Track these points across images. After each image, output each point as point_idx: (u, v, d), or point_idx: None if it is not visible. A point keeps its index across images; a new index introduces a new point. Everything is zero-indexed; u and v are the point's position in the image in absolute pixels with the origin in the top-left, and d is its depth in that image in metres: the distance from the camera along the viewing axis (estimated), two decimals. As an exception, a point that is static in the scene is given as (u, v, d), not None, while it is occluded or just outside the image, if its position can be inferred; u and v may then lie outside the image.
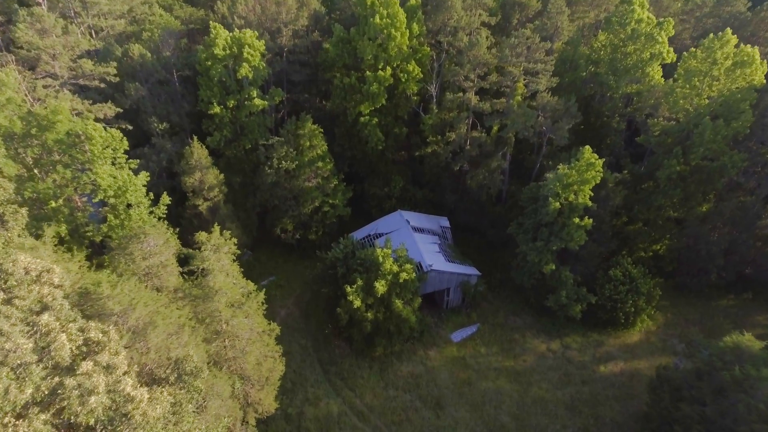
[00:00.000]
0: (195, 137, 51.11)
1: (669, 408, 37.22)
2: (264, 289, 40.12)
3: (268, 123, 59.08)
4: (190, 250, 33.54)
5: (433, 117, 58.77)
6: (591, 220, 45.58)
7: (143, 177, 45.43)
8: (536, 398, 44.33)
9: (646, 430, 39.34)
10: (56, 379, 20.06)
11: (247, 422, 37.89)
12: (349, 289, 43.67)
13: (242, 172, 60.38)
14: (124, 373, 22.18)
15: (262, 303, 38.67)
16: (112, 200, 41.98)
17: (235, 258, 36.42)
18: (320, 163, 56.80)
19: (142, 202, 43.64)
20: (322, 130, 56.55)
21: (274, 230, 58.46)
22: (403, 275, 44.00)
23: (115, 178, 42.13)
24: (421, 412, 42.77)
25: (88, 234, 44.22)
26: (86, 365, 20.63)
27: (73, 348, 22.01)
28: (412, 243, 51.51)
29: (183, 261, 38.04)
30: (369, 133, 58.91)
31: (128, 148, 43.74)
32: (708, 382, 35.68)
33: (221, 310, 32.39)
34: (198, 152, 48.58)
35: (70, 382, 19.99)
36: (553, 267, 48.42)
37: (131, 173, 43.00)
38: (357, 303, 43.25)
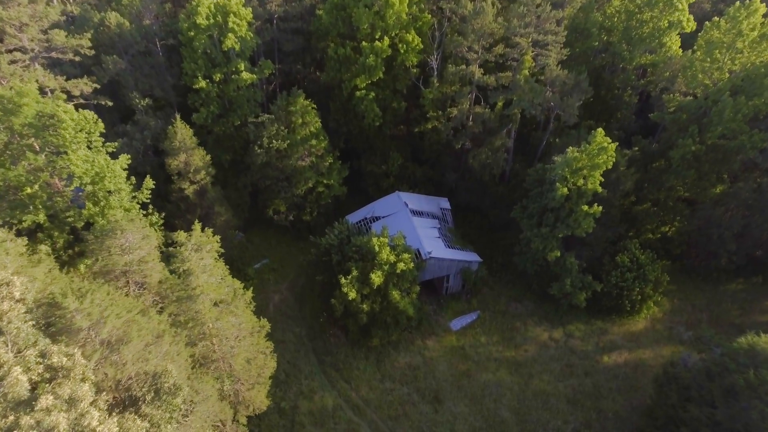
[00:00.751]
0: (178, 116, 47.77)
1: (676, 407, 35.76)
2: (251, 289, 37.80)
3: (258, 97, 55.52)
4: (171, 249, 31.13)
5: (433, 91, 55.12)
6: (600, 207, 42.94)
7: (123, 160, 42.53)
8: (537, 391, 43.00)
9: (650, 426, 38.04)
10: (11, 417, 18.02)
11: (238, 421, 36.57)
12: (343, 280, 41.58)
13: (232, 149, 57.29)
14: (91, 403, 20.16)
15: (250, 302, 36.71)
16: (89, 187, 39.23)
17: (219, 256, 34.12)
18: (314, 141, 53.65)
19: (122, 188, 40.88)
20: (315, 106, 53.09)
21: (267, 211, 55.91)
22: (401, 265, 41.79)
23: (92, 163, 39.24)
24: (418, 406, 41.50)
25: (69, 220, 41.69)
26: (45, 400, 18.56)
27: (34, 376, 19.92)
28: (410, 228, 49.06)
29: (166, 256, 35.86)
30: (365, 109, 55.44)
31: (104, 131, 40.68)
32: (719, 383, 34.01)
33: (205, 312, 30.28)
34: (182, 132, 45.42)
35: (26, 421, 17.97)
36: (558, 254, 46.20)
37: (108, 158, 40.04)
38: (352, 295, 41.24)
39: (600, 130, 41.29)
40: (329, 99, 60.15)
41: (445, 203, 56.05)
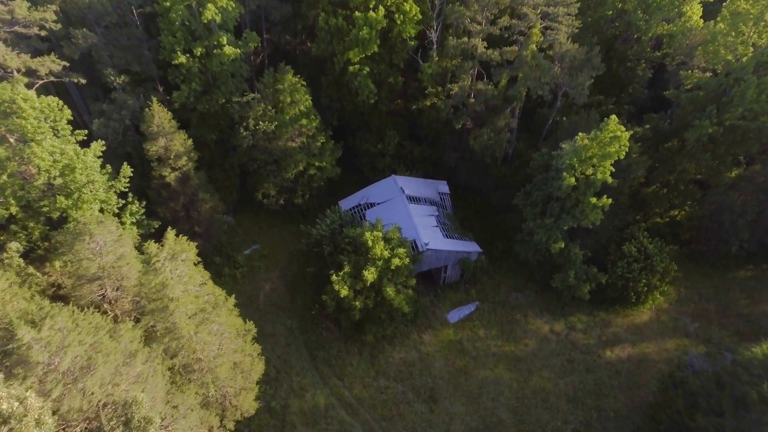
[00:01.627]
0: (155, 99, 44.12)
1: (682, 413, 34.20)
2: (233, 296, 35.42)
3: (244, 72, 51.44)
4: (144, 255, 28.61)
5: (432, 65, 51.10)
6: (610, 200, 40.12)
7: (96, 148, 39.46)
8: (537, 389, 41.58)
9: (653, 430, 36.68)
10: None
11: (225, 426, 35.16)
12: (334, 277, 39.33)
13: (218, 128, 53.72)
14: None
15: (233, 308, 34.54)
16: (59, 180, 36.31)
17: (199, 261, 31.68)
18: (304, 121, 50.18)
19: (95, 180, 37.94)
20: (305, 83, 49.30)
21: (256, 195, 53.05)
22: (395, 261, 39.43)
23: (62, 154, 36.16)
24: (413, 405, 40.14)
25: (44, 210, 38.96)
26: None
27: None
28: (406, 216, 46.39)
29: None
30: (359, 86, 51.58)
31: (71, 118, 37.43)
32: (729, 393, 32.29)
33: (182, 325, 28.09)
34: (159, 116, 41.99)
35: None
36: (562, 245, 43.74)
37: (78, 147, 36.92)
38: (344, 292, 39.09)
39: (613, 117, 37.88)
40: (321, 72, 56.15)
41: (443, 187, 53.11)
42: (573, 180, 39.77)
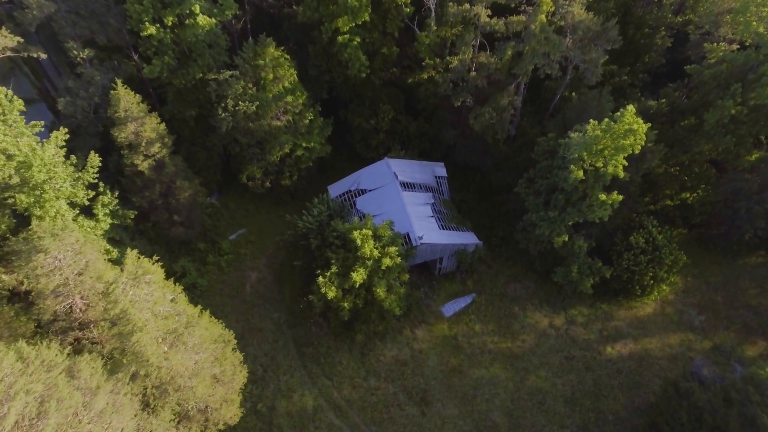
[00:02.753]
0: (119, 81, 39.83)
1: (685, 428, 32.58)
2: (208, 311, 32.88)
3: (222, 42, 46.64)
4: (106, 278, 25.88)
5: (430, 35, 46.25)
6: (621, 196, 36.84)
7: (57, 139, 35.89)
8: (533, 389, 40.04)
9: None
10: None
11: (207, 437, 33.78)
12: (321, 279, 36.77)
13: (197, 103, 49.50)
14: None
15: (210, 322, 32.15)
16: (14, 179, 33.00)
17: (167, 276, 28.98)
18: (289, 98, 46.04)
19: (56, 175, 34.60)
20: (288, 57, 44.74)
21: (240, 177, 49.65)
22: (386, 261, 36.71)
23: (19, 149, 32.66)
24: (405, 408, 38.73)
25: (8, 202, 35.94)
26: None
27: None
28: (399, 205, 43.27)
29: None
30: (349, 58, 46.93)
31: (23, 109, 33.62)
32: (738, 411, 30.47)
33: (149, 352, 25.77)
34: (126, 100, 37.99)
35: None
36: (566, 238, 40.90)
37: (33, 142, 33.36)
38: (331, 294, 36.68)
39: (630, 108, 33.85)
40: (309, 40, 51.21)
41: (440, 169, 49.58)
42: (581, 173, 36.34)
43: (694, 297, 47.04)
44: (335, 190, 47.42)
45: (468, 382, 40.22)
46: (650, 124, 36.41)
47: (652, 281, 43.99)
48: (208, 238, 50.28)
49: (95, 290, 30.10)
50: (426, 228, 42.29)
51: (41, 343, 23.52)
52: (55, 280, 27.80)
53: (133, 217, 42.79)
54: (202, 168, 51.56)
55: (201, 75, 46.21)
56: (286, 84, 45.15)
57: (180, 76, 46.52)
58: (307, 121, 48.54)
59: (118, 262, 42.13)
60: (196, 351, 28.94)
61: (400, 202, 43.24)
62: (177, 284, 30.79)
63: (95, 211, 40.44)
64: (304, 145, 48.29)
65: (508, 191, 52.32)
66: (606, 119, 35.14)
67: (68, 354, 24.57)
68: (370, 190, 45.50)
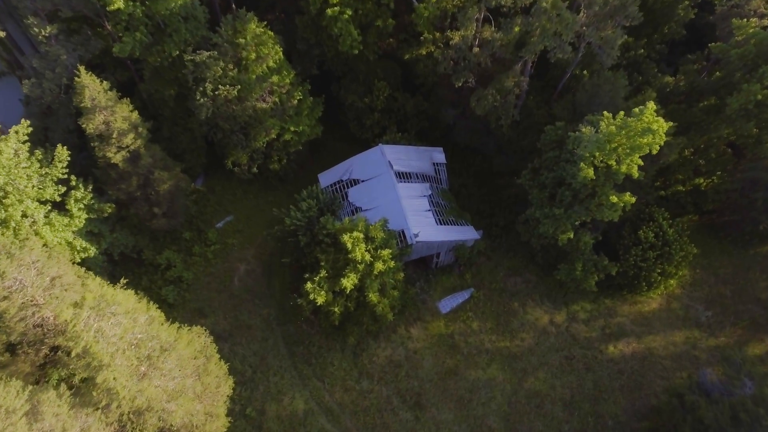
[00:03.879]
0: (82, 68, 35.97)
1: (689, 443, 31.41)
2: (188, 329, 30.69)
3: (200, 14, 42.21)
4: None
5: (429, 6, 41.78)
6: (634, 198, 33.98)
7: (18, 134, 32.80)
8: (531, 392, 38.79)
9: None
10: None
11: (193, 450, 32.65)
12: (309, 285, 34.57)
13: (176, 82, 45.53)
14: None
15: (194, 331, 30.22)
16: (-30, 183, 30.21)
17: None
18: (275, 78, 42.24)
19: (17, 177, 31.70)
20: (272, 33, 40.59)
21: (225, 163, 46.51)
22: (379, 266, 34.36)
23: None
24: (398, 413, 37.60)
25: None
26: None
27: None
28: (394, 198, 40.46)
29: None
30: (339, 32, 42.70)
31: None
32: (747, 430, 29.08)
33: (119, 389, 23.91)
34: (92, 89, 34.40)
35: None
36: (571, 236, 38.39)
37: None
38: (320, 300, 34.62)
39: (651, 105, 30.34)
40: (296, 10, 46.68)
41: (438, 155, 46.31)
42: (591, 172, 33.30)
43: (702, 290, 45.09)
44: (326, 178, 44.44)
45: (464, 384, 38.91)
46: (671, 124, 32.92)
47: (660, 277, 41.88)
48: (193, 226, 47.82)
49: (67, 301, 27.99)
50: (422, 223, 39.69)
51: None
52: (18, 301, 25.62)
53: (110, 211, 40.21)
54: (186, 150, 48.34)
55: (177, 52, 42.16)
56: (271, 63, 41.23)
57: (155, 53, 42.49)
58: (296, 101, 44.85)
59: (96, 260, 40.25)
60: (173, 376, 27.12)
61: (395, 195, 40.40)
62: (150, 302, 28.59)
63: (68, 207, 37.80)
64: (292, 129, 44.84)
65: (510, 175, 49.50)
66: (621, 113, 31.68)
67: (30, 392, 22.64)
68: (363, 181, 42.51)
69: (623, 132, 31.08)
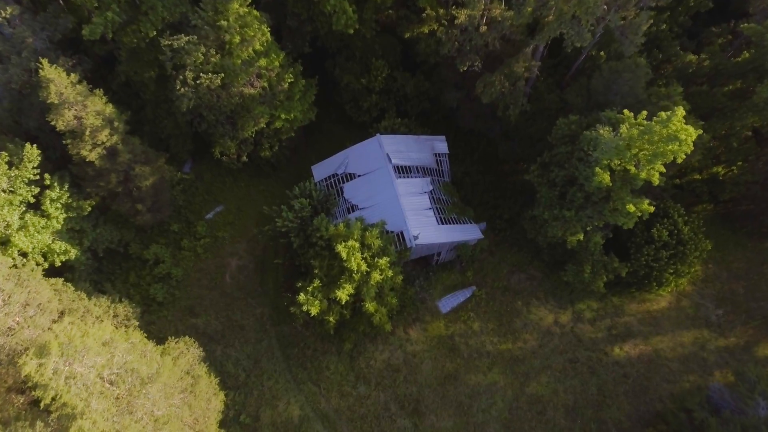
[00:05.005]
0: (45, 60, 32.39)
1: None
2: (175, 357, 28.87)
3: (178, -10, 38.11)
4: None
5: (433, -20, 37.67)
6: (653, 207, 31.33)
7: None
8: (533, 398, 37.68)
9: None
10: None
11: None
12: (302, 297, 32.58)
13: (156, 62, 41.81)
14: None
15: (181, 345, 28.51)
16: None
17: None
18: (263, 61, 38.60)
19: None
20: (257, 13, 36.60)
21: (213, 152, 43.49)
22: (375, 276, 32.27)
23: None
24: (396, 420, 36.61)
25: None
26: None
27: None
28: (392, 196, 37.82)
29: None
30: (333, 10, 38.69)
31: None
32: (756, 455, 27.94)
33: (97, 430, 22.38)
34: (58, 83, 31.06)
35: None
36: (581, 237, 36.10)
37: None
38: (314, 311, 32.78)
39: (680, 111, 27.11)
40: (285, -19, 42.31)
41: (440, 145, 43.20)
42: (607, 177, 30.52)
43: (714, 287, 43.26)
44: (320, 171, 41.63)
45: (464, 389, 37.76)
46: (701, 131, 29.70)
47: (672, 276, 39.91)
48: (182, 216, 45.47)
49: (44, 326, 26.26)
50: (422, 223, 37.25)
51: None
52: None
53: (90, 209, 37.78)
54: (171, 135, 45.36)
55: (155, 32, 38.31)
56: (257, 46, 37.45)
57: (130, 34, 38.69)
58: (287, 85, 41.25)
59: (76, 264, 38.09)
60: (159, 407, 25.60)
61: (394, 192, 37.75)
62: (128, 328, 26.77)
63: (44, 208, 35.35)
64: (283, 117, 41.53)
65: (516, 163, 46.68)
66: (644, 114, 28.48)
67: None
68: (359, 175, 39.70)
69: (646, 137, 28.06)
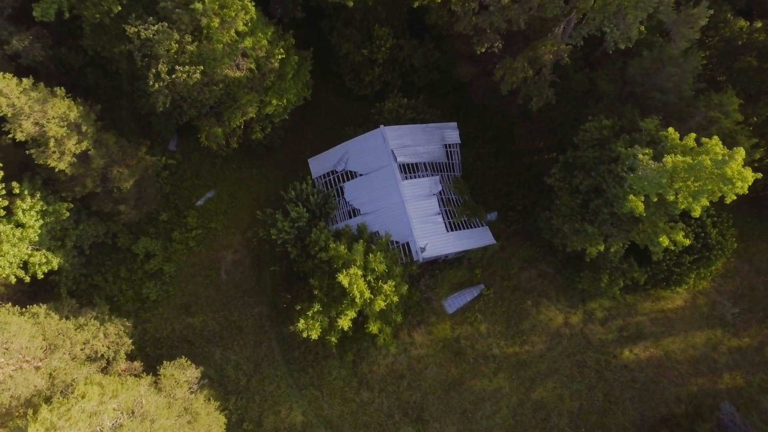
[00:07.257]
0: (-12, 69, 27.32)
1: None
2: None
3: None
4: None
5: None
6: (688, 240, 28.15)
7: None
8: (538, 404, 37.27)
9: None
10: None
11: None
12: (301, 324, 30.61)
13: (126, 36, 36.26)
14: None
15: (177, 389, 27.13)
16: None
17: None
18: (248, 41, 33.31)
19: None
20: (239, -9, 30.64)
21: (199, 137, 39.21)
22: (380, 303, 30.05)
23: None
24: (400, 427, 36.42)
25: None
26: None
27: None
28: (397, 200, 34.42)
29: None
30: (329, -20, 32.56)
31: None
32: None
33: None
34: (6, 92, 26.40)
35: None
36: (602, 249, 33.41)
37: None
38: (315, 335, 31.06)
39: (740, 153, 22.95)
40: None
41: (452, 133, 38.77)
42: (641, 206, 27.07)
43: (733, 282, 41.30)
44: (317, 166, 37.73)
45: (468, 396, 37.24)
46: (760, 175, 25.51)
47: (693, 280, 37.83)
48: (170, 204, 42.30)
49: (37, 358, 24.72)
50: (430, 232, 34.30)
51: None
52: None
53: (68, 214, 34.62)
54: (153, 113, 40.71)
55: (119, 7, 32.50)
56: (241, 27, 32.01)
57: (90, 7, 32.86)
58: (277, 63, 36.08)
59: (62, 266, 35.72)
60: (155, 463, 24.69)
61: (399, 197, 34.31)
62: (121, 377, 25.01)
63: (17, 218, 32.26)
64: (275, 102, 36.77)
65: (534, 149, 42.66)
66: (692, 136, 24.36)
67: None
68: (360, 174, 35.93)
69: (692, 173, 24.27)
